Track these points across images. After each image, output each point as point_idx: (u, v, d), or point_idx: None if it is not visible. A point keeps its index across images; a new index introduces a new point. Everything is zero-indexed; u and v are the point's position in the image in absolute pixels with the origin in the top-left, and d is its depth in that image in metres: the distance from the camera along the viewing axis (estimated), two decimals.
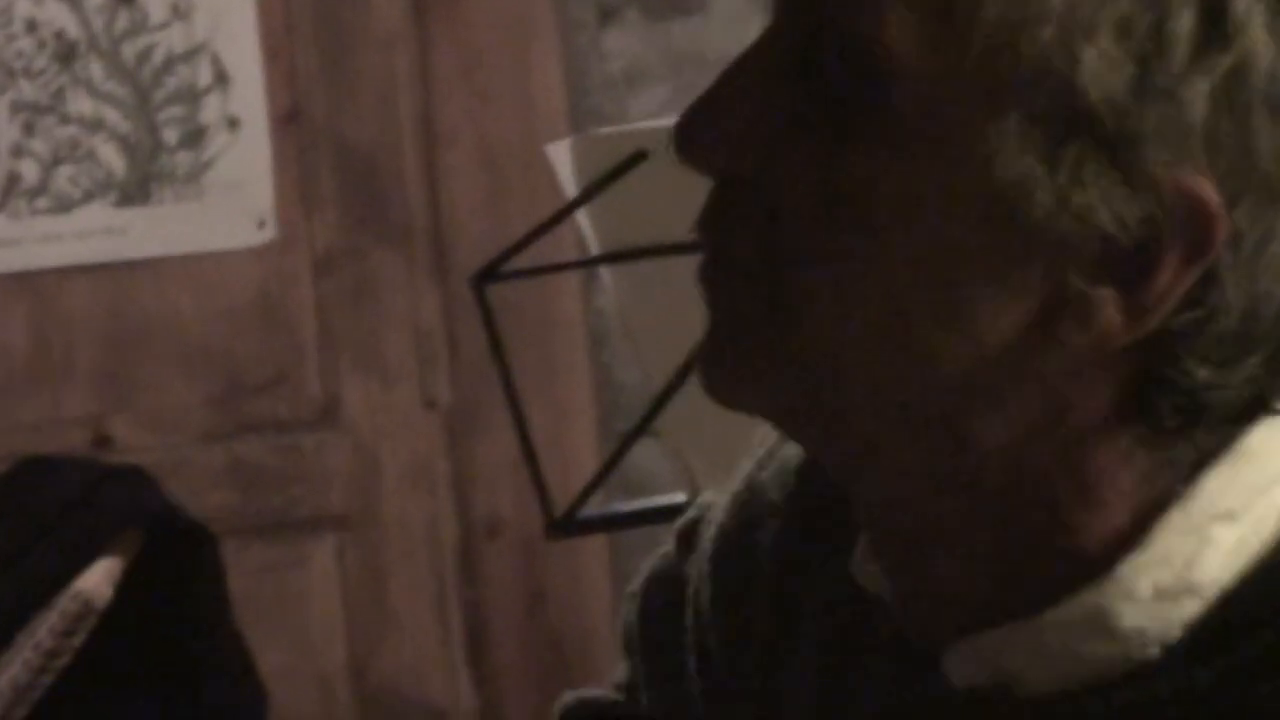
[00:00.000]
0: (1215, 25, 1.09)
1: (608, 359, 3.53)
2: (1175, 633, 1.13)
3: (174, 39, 3.64)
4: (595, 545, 3.60)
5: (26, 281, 3.61)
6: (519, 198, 3.51)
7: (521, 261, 2.56)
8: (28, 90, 3.62)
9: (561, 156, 2.58)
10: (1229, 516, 1.14)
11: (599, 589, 3.68)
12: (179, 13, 3.63)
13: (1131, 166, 1.10)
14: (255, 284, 3.65)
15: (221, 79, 3.65)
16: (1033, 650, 1.16)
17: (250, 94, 3.65)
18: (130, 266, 3.63)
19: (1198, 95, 1.09)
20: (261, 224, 3.65)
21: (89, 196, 3.63)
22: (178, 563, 2.89)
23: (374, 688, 3.67)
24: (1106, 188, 1.10)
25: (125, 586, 2.81)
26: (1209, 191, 1.09)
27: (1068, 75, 1.09)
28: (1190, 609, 1.13)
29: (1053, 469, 1.14)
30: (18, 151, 3.62)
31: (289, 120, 3.65)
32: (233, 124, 3.64)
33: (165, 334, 3.63)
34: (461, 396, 3.62)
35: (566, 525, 2.66)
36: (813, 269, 1.13)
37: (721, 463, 2.50)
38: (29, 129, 3.62)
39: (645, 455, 2.93)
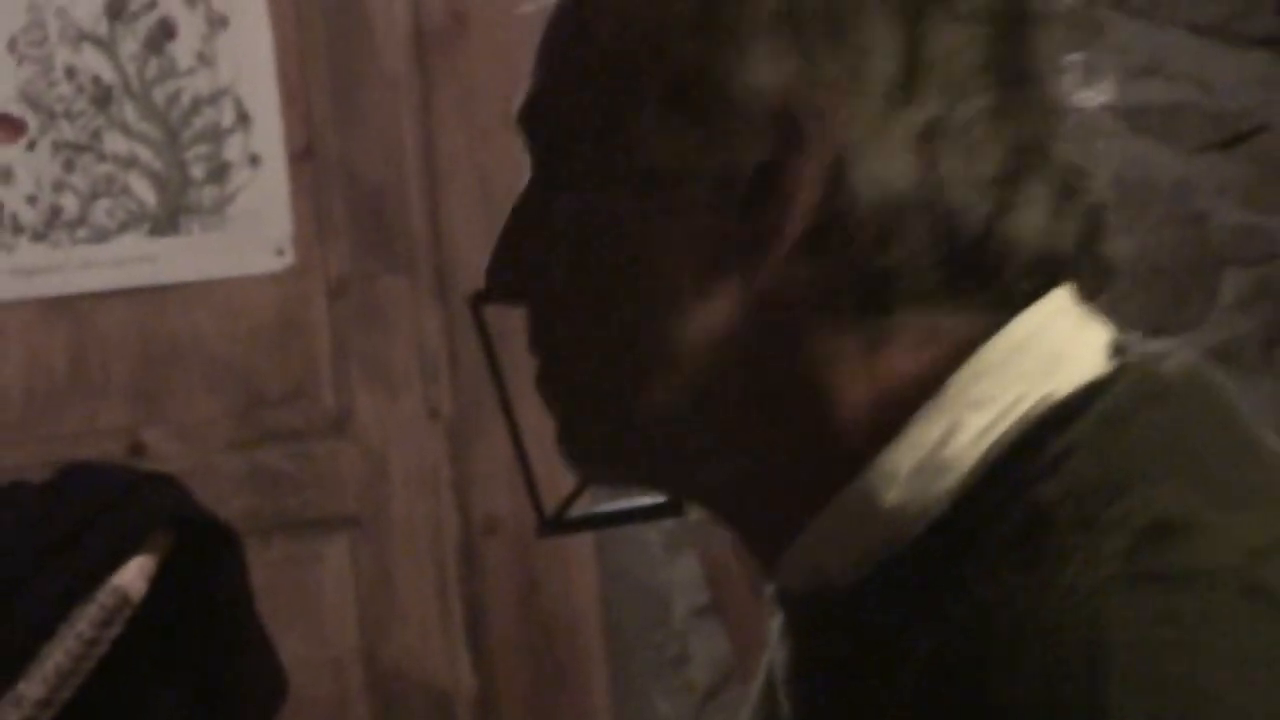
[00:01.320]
0: None
1: None
2: (937, 508, 1.16)
3: (200, 84, 3.64)
4: (583, 542, 3.61)
5: (67, 305, 3.61)
6: None
7: None
8: (68, 131, 3.62)
9: None
10: (976, 404, 1.17)
11: (587, 581, 3.68)
12: (204, 60, 3.63)
13: (724, 110, 1.17)
14: (274, 306, 3.65)
15: (243, 120, 3.65)
16: (825, 545, 1.19)
17: (269, 133, 3.65)
18: (161, 291, 3.63)
19: (766, 31, 1.17)
20: (280, 252, 3.65)
21: (124, 227, 3.63)
22: (205, 560, 2.90)
23: (382, 671, 3.67)
24: (713, 130, 1.17)
25: (158, 581, 2.83)
26: (802, 101, 1.16)
27: (663, 55, 1.19)
28: (946, 483, 1.16)
29: (775, 375, 1.19)
30: (59, 186, 3.62)
31: (304, 157, 3.65)
32: (254, 161, 3.65)
33: (193, 352, 3.64)
34: (461, 407, 3.63)
35: (556, 524, 2.67)
36: (556, 321, 1.24)
37: None
38: (69, 166, 3.62)
39: None
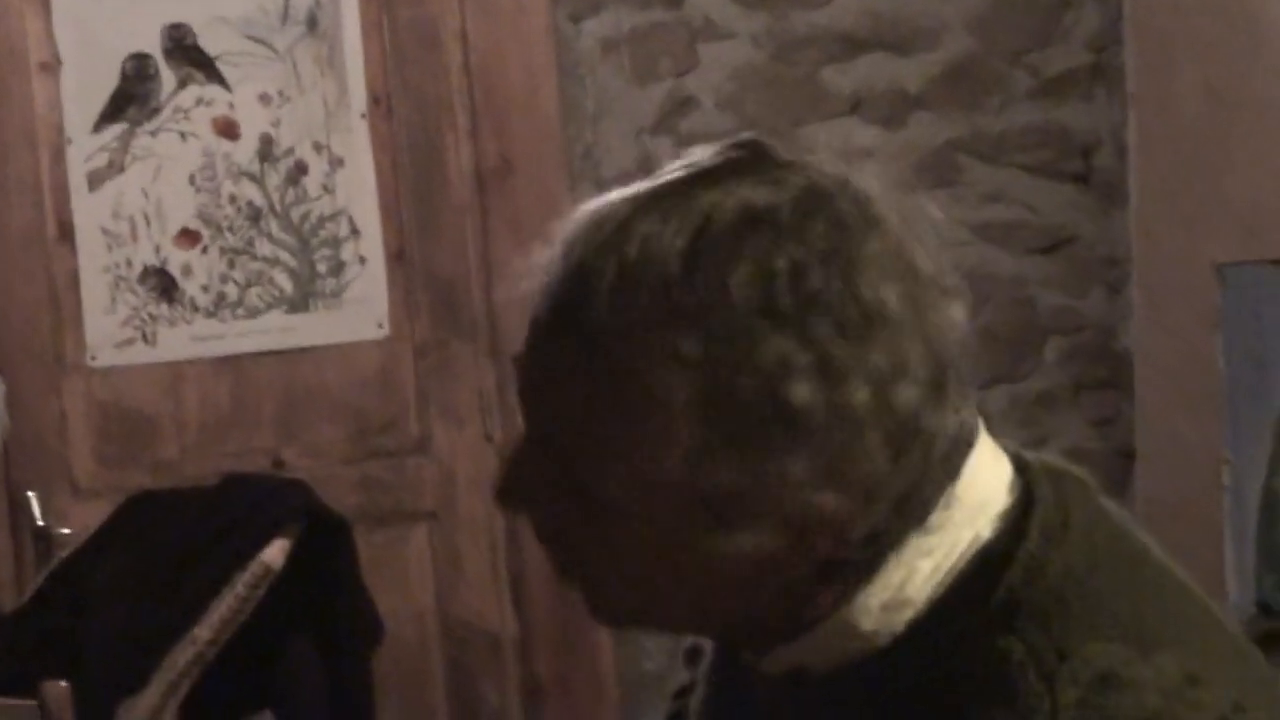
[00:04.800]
0: (788, 424, 1.08)
1: None
2: (900, 629, 1.14)
3: (324, 206, 3.63)
4: None
5: (230, 362, 3.61)
6: None
7: None
8: (230, 239, 3.61)
9: None
10: (926, 553, 1.13)
11: None
12: (327, 189, 3.62)
13: (764, 516, 1.10)
14: (376, 363, 3.63)
15: (354, 232, 3.63)
16: (811, 650, 1.16)
17: (373, 242, 3.63)
18: (296, 352, 3.62)
19: (794, 457, 1.09)
20: (380, 325, 3.63)
21: (270, 307, 3.62)
22: (326, 542, 2.90)
23: (451, 621, 3.65)
24: (755, 530, 1.10)
25: (293, 557, 2.83)
26: (824, 499, 1.09)
27: (707, 485, 1.09)
28: (907, 614, 1.14)
29: (777, 596, 1.14)
30: (224, 279, 3.61)
31: (397, 258, 3.63)
32: (362, 261, 3.63)
33: (319, 395, 3.62)
34: (508, 434, 3.58)
35: None
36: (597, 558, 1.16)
37: None
38: (231, 264, 3.61)
39: None
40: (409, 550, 3.63)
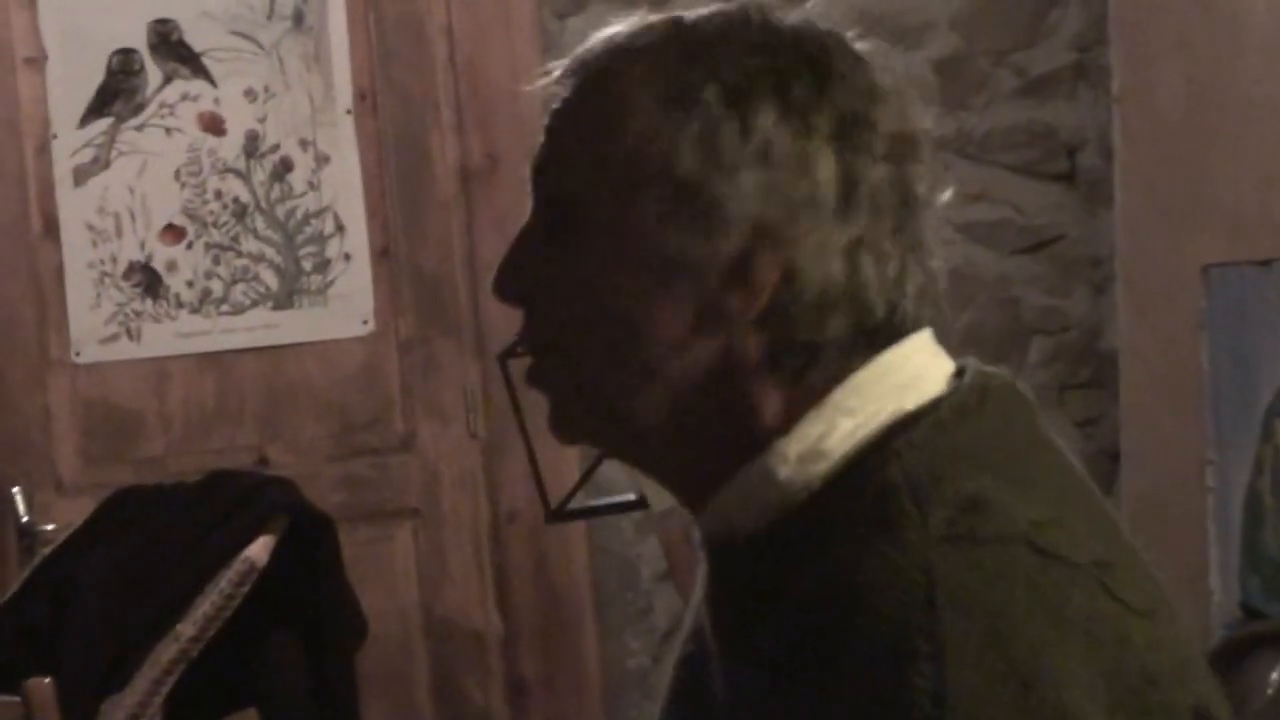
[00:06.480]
0: (747, 134, 1.16)
1: None
2: (816, 484, 1.17)
3: (309, 203, 3.63)
4: (577, 528, 3.59)
5: (215, 358, 3.61)
6: None
7: None
8: (216, 235, 3.61)
9: None
10: (848, 412, 1.17)
11: (580, 555, 3.66)
12: (312, 186, 3.63)
13: (716, 218, 1.16)
14: (361, 360, 3.64)
15: (339, 229, 3.64)
16: (733, 502, 1.19)
17: (358, 238, 3.64)
18: (281, 349, 3.62)
19: (750, 166, 1.16)
20: (365, 322, 3.64)
21: (254, 304, 3.63)
22: (311, 539, 2.90)
23: (435, 619, 3.65)
24: (707, 231, 1.17)
25: (277, 554, 2.82)
26: (773, 216, 1.16)
27: (670, 172, 1.17)
28: (822, 467, 1.17)
29: (726, 402, 1.19)
30: (209, 275, 3.61)
31: (382, 255, 3.64)
32: (347, 258, 3.64)
33: (303, 392, 3.62)
34: (493, 431, 3.61)
35: (558, 515, 2.68)
36: (570, 329, 1.21)
37: None
38: (216, 260, 3.61)
39: (609, 469, 2.97)
40: (393, 548, 3.63)
